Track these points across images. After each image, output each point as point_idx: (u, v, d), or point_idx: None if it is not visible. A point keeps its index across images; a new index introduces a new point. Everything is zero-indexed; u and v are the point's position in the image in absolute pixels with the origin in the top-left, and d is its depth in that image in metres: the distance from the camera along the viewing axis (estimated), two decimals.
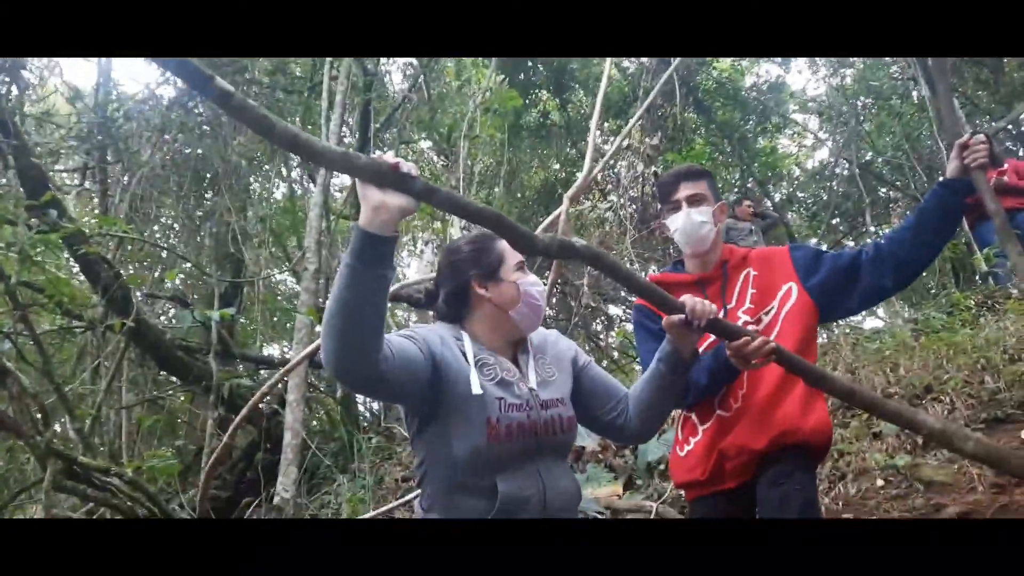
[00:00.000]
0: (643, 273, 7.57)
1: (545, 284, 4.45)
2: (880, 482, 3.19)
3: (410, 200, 1.18)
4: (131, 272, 6.61)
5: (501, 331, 1.56)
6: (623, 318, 8.04)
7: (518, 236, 1.35)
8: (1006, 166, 5.91)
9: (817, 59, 10.62)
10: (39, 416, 2.15)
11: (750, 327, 1.86)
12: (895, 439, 3.40)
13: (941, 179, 1.85)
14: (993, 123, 8.96)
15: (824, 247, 10.30)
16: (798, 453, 1.78)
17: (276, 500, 4.93)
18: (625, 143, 7.18)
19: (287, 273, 9.14)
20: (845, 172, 10.08)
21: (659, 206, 2.14)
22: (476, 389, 1.41)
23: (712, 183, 2.02)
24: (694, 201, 1.95)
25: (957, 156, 1.81)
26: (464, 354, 1.48)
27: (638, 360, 6.18)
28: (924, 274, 10.09)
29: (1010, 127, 9.61)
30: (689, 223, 1.93)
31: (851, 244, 10.39)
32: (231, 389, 5.32)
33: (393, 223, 1.19)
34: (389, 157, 1.16)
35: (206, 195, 7.83)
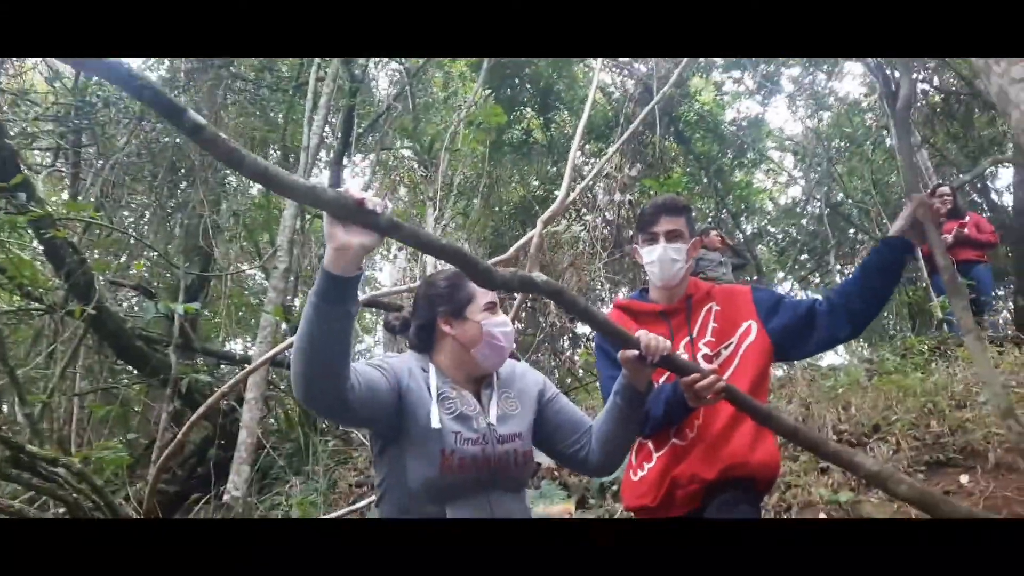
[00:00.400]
0: (613, 294, 7.66)
1: (512, 308, 4.48)
2: (823, 515, 3.28)
3: (373, 237, 1.23)
4: (96, 258, 6.50)
5: (464, 367, 1.62)
6: (589, 337, 8.11)
7: (479, 272, 1.39)
8: (967, 219, 6.13)
9: (796, 100, 10.91)
10: None
11: (710, 359, 1.93)
12: (840, 475, 3.49)
13: (883, 237, 1.92)
14: (960, 175, 9.26)
15: (791, 282, 10.53)
16: (746, 485, 1.85)
17: (226, 498, 4.87)
18: (604, 169, 7.28)
19: (256, 269, 9.06)
20: (815, 211, 10.33)
21: (634, 233, 2.19)
22: (435, 424, 1.47)
23: (690, 218, 2.08)
24: (672, 237, 2.00)
25: (907, 212, 1.88)
26: (428, 387, 1.54)
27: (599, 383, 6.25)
28: (884, 315, 10.36)
29: (975, 181, 9.95)
30: (665, 257, 1.98)
31: (816, 281, 10.63)
32: (189, 383, 5.25)
33: (357, 262, 1.25)
34: (355, 192, 1.20)
35: (180, 186, 7.74)
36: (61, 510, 2.16)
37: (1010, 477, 3.17)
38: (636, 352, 1.57)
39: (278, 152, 8.54)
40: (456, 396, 1.56)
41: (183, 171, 7.27)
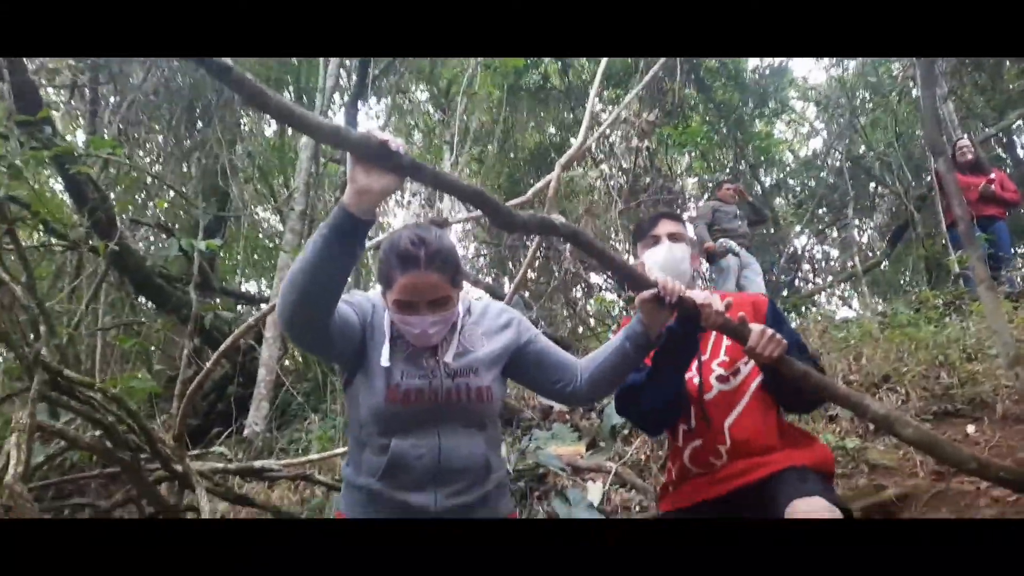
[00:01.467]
0: (628, 242, 7.66)
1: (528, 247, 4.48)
2: None
3: (394, 181, 1.27)
4: (116, 198, 6.55)
5: None
6: (602, 287, 8.15)
7: (500, 213, 1.42)
8: (993, 175, 6.05)
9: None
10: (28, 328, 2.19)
11: (725, 380, 1.92)
12: (848, 423, 3.55)
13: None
14: (986, 129, 9.06)
15: (807, 236, 10.44)
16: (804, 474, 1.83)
17: (246, 432, 5.03)
18: (622, 115, 7.18)
19: (272, 211, 9.09)
20: (836, 163, 10.17)
21: (633, 246, 2.16)
22: (384, 362, 1.50)
23: (686, 228, 2.10)
24: (675, 238, 2.01)
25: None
26: (385, 326, 1.57)
27: (614, 328, 6.29)
28: (901, 270, 10.28)
29: (1001, 135, 9.73)
30: (671, 256, 1.98)
31: (833, 235, 10.53)
32: (209, 321, 5.36)
33: (375, 206, 1.30)
34: (379, 133, 1.23)
35: (196, 126, 7.73)
36: (97, 432, 2.26)
37: (1016, 427, 3.21)
38: (654, 291, 1.60)
39: (291, 94, 8.48)
40: (410, 333, 1.53)
41: (199, 110, 7.24)
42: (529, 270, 9.51)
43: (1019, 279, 6.23)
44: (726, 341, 1.96)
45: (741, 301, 1.99)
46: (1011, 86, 9.12)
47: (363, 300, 1.59)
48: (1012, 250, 6.14)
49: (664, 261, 1.96)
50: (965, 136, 6.49)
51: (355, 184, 1.26)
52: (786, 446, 1.87)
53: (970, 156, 5.96)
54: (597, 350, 1.73)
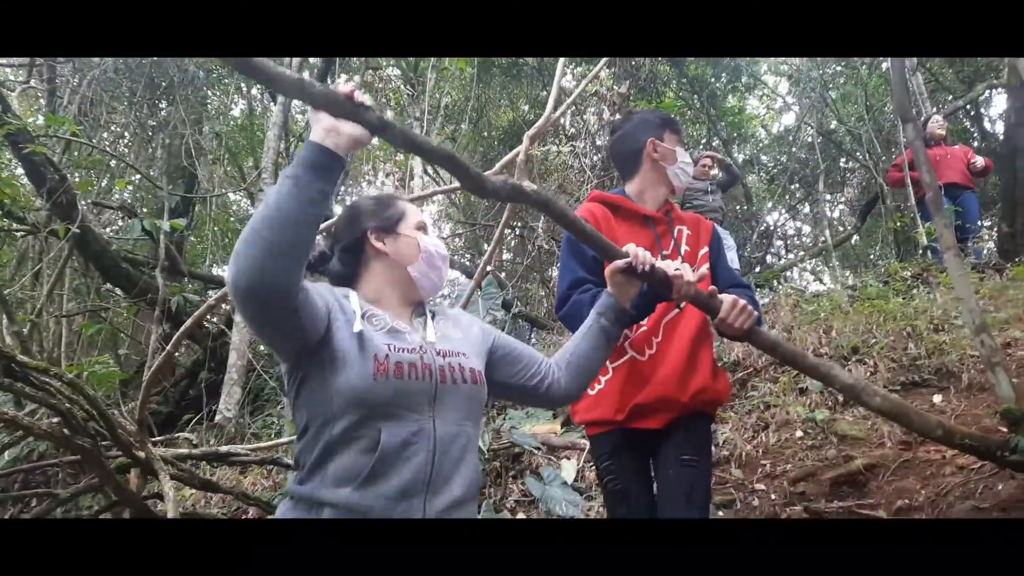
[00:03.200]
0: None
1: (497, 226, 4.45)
2: (799, 433, 3.40)
3: (363, 131, 1.17)
4: (77, 180, 6.37)
5: (398, 290, 1.43)
6: None
7: (470, 177, 1.37)
8: (958, 148, 6.14)
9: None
10: None
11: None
12: (819, 396, 3.59)
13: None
14: (954, 100, 9.16)
15: (780, 211, 10.52)
16: (706, 410, 1.95)
17: (218, 418, 4.97)
18: (593, 89, 7.13)
19: (241, 193, 8.92)
20: (808, 138, 10.23)
21: (657, 129, 2.08)
22: (357, 327, 1.27)
23: None
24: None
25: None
26: (353, 312, 1.33)
27: None
28: (871, 244, 10.40)
29: (968, 107, 9.84)
30: (690, 165, 2.10)
31: (805, 210, 10.63)
32: (178, 305, 5.26)
33: (344, 148, 1.16)
34: (345, 86, 1.15)
35: (160, 104, 7.53)
36: (55, 420, 2.19)
37: (980, 396, 3.27)
38: (626, 261, 1.57)
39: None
40: (383, 314, 1.37)
41: (163, 87, 7.04)
42: (503, 249, 9.48)
43: (985, 250, 6.34)
44: (685, 245, 2.03)
45: (691, 218, 2.11)
46: (979, 59, 9.20)
47: (319, 285, 1.34)
48: (980, 222, 6.23)
49: (689, 166, 2.09)
50: (939, 115, 6.56)
51: (321, 123, 1.15)
52: (705, 382, 1.90)
53: (941, 132, 6.04)
54: (568, 342, 1.64)
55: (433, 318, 1.46)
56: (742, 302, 1.70)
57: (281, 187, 1.13)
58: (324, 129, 1.15)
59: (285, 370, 1.33)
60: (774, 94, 11.86)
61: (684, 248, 2.02)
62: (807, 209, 10.91)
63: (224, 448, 2.87)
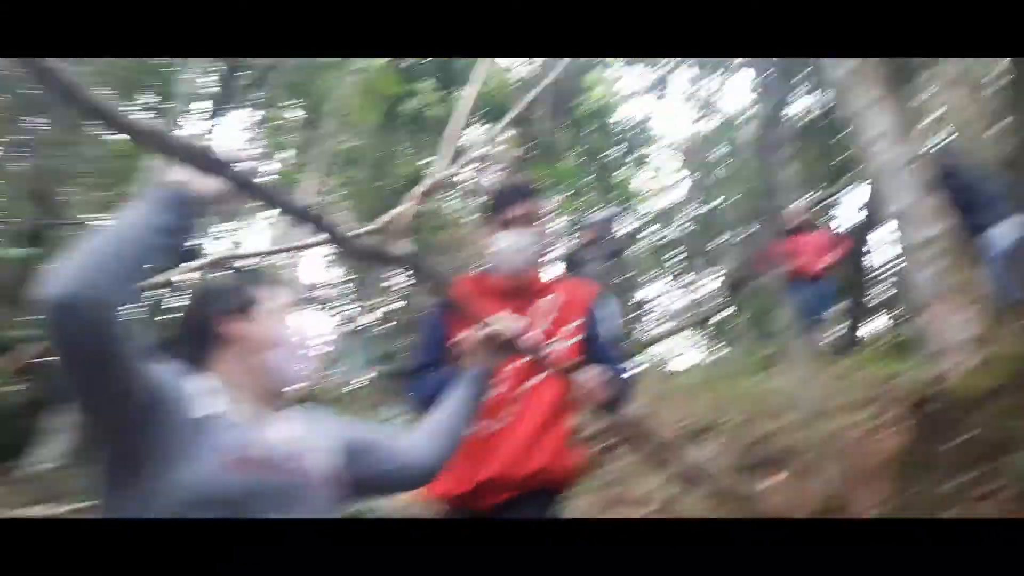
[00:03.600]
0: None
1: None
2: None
3: (219, 188, 1.13)
4: None
5: (253, 379, 1.23)
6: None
7: (336, 237, 1.36)
8: (820, 233, 6.60)
9: (688, 101, 11.34)
10: None
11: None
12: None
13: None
14: (822, 190, 9.92)
15: (663, 281, 10.98)
16: (553, 490, 1.89)
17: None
18: (492, 150, 7.26)
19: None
20: (694, 213, 10.83)
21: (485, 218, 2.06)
22: (200, 412, 1.10)
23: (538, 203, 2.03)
24: (524, 221, 1.94)
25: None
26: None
27: None
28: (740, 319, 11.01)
29: (834, 199, 10.68)
30: (517, 243, 1.94)
31: (688, 280, 11.14)
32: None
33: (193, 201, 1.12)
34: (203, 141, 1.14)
35: (25, 121, 6.98)
36: None
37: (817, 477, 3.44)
38: (485, 335, 1.56)
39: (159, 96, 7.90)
40: (232, 407, 1.18)
41: (25, 104, 6.52)
42: (394, 301, 9.33)
43: (837, 335, 6.78)
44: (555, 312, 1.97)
45: (567, 289, 2.03)
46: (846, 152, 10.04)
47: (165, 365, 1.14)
48: (827, 312, 6.57)
49: (507, 246, 1.93)
50: (799, 203, 7.02)
51: (174, 176, 1.11)
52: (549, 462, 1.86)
53: (796, 221, 6.42)
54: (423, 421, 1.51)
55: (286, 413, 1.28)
56: (593, 379, 1.72)
57: (130, 210, 1.09)
58: (176, 181, 1.12)
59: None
60: (660, 171, 12.46)
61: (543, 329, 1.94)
62: (690, 278, 11.43)
63: None
